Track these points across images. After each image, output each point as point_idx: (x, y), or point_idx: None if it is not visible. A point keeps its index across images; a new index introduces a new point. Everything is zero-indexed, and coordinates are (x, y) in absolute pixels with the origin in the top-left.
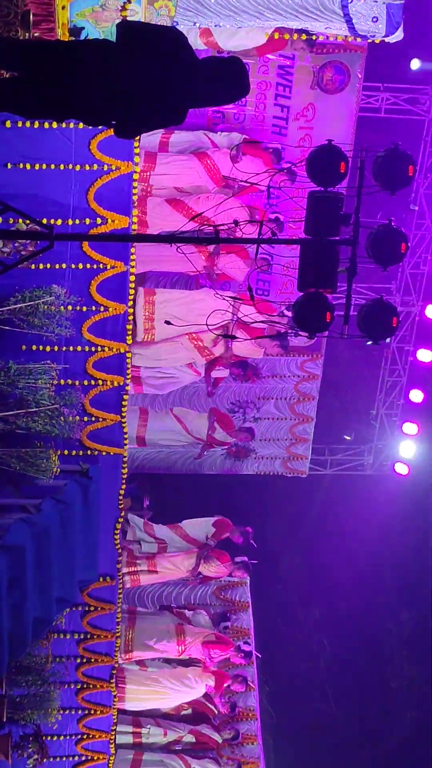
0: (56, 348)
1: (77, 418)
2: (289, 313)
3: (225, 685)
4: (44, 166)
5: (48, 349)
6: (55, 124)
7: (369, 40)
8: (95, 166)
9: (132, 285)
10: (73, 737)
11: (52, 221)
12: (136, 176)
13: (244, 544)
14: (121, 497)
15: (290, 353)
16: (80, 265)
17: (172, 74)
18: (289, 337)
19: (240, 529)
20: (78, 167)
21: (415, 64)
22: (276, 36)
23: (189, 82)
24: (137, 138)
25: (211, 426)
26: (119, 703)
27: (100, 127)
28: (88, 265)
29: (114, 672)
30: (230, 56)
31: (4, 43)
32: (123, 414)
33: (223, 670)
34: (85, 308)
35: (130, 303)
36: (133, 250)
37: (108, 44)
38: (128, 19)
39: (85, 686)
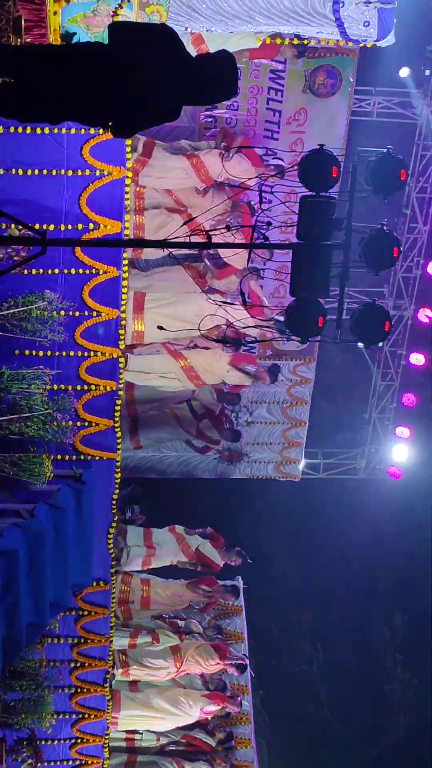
0: (49, 353)
1: (70, 423)
2: (281, 318)
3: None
4: (36, 172)
5: (41, 354)
6: (47, 130)
7: (360, 45)
8: (87, 172)
9: (125, 289)
10: (67, 741)
11: (44, 226)
12: (128, 181)
13: (242, 564)
14: (114, 502)
15: (283, 357)
16: (73, 270)
17: (165, 71)
18: (282, 341)
19: (233, 552)
20: (70, 172)
21: (404, 72)
22: (267, 41)
23: (182, 79)
24: (129, 143)
25: (199, 418)
26: (112, 726)
27: (95, 128)
28: (81, 270)
29: (108, 677)
30: (221, 51)
31: None
32: (116, 418)
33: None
34: (77, 313)
35: (123, 308)
36: (125, 255)
37: (100, 45)
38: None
39: (78, 690)
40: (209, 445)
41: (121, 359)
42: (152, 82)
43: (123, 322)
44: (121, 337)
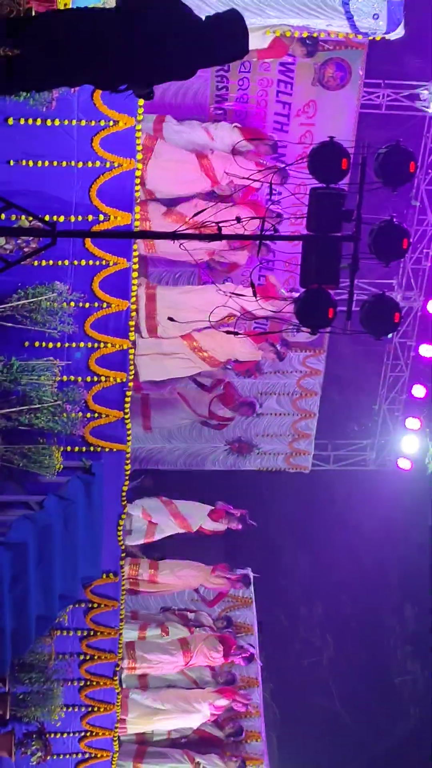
0: (59, 344)
1: (80, 414)
2: (294, 294)
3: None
4: (47, 163)
5: (50, 345)
6: (57, 122)
7: (370, 37)
8: (98, 163)
9: (135, 281)
10: (77, 734)
11: (54, 218)
12: (138, 173)
13: (244, 529)
14: (124, 493)
15: (293, 349)
16: (83, 262)
17: (175, 29)
18: (292, 333)
19: (235, 516)
20: (80, 164)
21: None
22: (278, 33)
23: (192, 37)
24: (139, 135)
25: (209, 390)
26: (121, 731)
27: (106, 90)
28: (91, 262)
29: (117, 669)
30: (230, 10)
31: (6, 22)
32: (126, 410)
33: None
34: (87, 305)
35: (133, 299)
36: (135, 246)
37: (109, 10)
38: None
39: (88, 683)
40: (222, 423)
41: (131, 350)
42: (162, 40)
43: (133, 314)
44: (131, 328)
